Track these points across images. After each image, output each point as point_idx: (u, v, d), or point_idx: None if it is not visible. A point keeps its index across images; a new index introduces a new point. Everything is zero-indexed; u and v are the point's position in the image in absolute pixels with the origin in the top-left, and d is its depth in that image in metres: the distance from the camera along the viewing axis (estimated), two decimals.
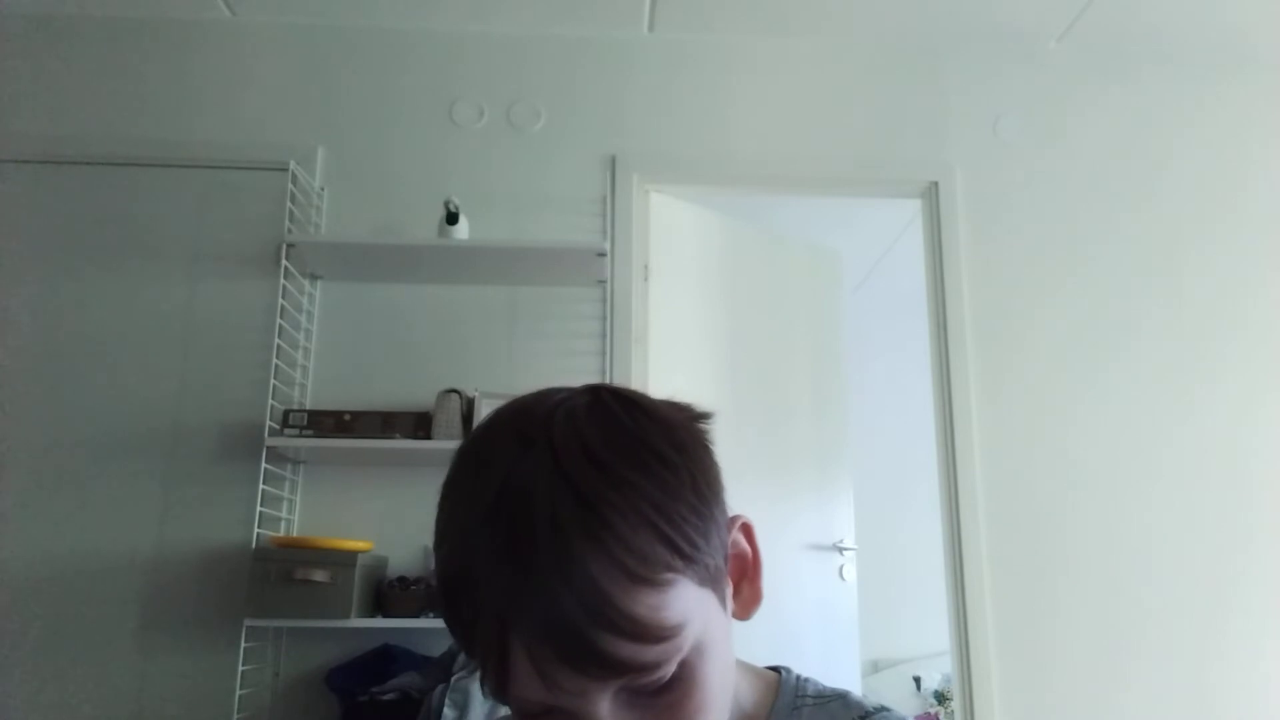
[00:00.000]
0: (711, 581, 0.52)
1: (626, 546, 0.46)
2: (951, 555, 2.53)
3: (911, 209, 3.22)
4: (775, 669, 0.66)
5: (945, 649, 2.57)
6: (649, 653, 0.47)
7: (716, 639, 0.51)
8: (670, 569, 0.48)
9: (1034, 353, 2.64)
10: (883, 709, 0.61)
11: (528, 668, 0.46)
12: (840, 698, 0.63)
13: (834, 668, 2.95)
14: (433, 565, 2.44)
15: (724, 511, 0.54)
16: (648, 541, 0.47)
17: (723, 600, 0.54)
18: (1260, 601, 2.50)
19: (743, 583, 0.58)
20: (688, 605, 0.49)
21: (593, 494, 0.47)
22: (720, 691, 0.52)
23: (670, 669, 0.48)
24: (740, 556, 0.58)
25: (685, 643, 0.48)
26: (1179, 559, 2.51)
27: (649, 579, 0.47)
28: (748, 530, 0.58)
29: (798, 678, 0.64)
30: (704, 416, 0.56)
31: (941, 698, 4.06)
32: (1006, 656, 2.44)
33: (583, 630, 0.45)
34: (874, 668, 4.27)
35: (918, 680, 4.21)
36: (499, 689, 0.48)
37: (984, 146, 2.79)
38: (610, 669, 0.46)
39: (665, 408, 0.54)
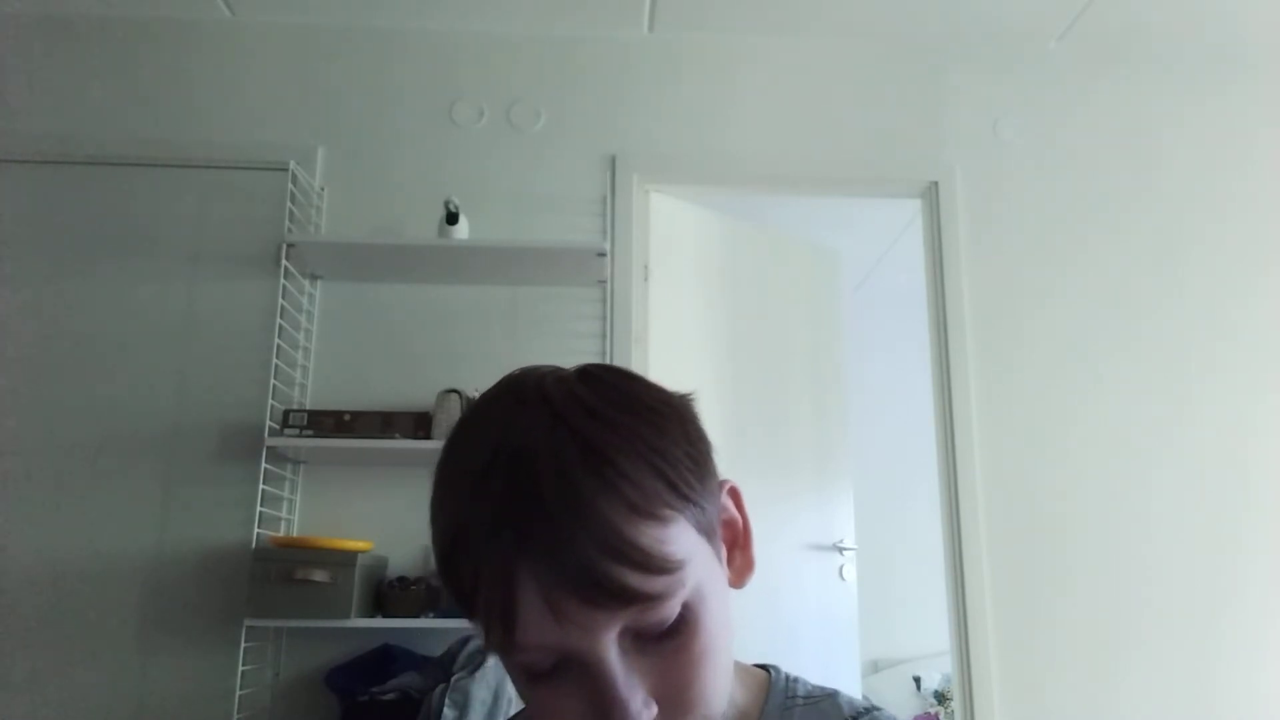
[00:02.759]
0: (708, 532, 0.53)
1: (630, 482, 0.49)
2: (951, 555, 2.53)
3: (911, 209, 3.22)
4: (763, 667, 0.66)
5: (945, 649, 2.57)
6: (654, 583, 0.48)
7: (716, 592, 0.53)
8: (670, 506, 0.50)
9: (1034, 352, 2.64)
10: (874, 709, 0.62)
11: (539, 607, 0.47)
12: (830, 697, 0.63)
13: (834, 668, 2.95)
14: (430, 565, 2.42)
15: (715, 468, 0.56)
16: (649, 479, 0.49)
17: (719, 558, 0.55)
18: (1261, 601, 2.50)
19: (734, 550, 0.59)
20: (688, 545, 0.51)
21: (593, 437, 0.49)
22: (724, 647, 0.53)
23: (674, 608, 0.50)
24: (731, 523, 0.59)
25: (687, 580, 0.50)
26: (1179, 558, 2.51)
27: (652, 513, 0.49)
28: (735, 495, 0.60)
29: (787, 677, 0.65)
30: (686, 394, 0.58)
31: (941, 698, 4.06)
32: (1006, 656, 2.44)
33: (593, 561, 0.47)
34: (874, 668, 4.27)
35: (918, 680, 4.21)
36: (505, 638, 0.49)
37: (984, 146, 2.79)
38: (618, 598, 0.47)
39: (649, 380, 0.58)
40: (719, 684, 0.53)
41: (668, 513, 0.50)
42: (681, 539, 0.50)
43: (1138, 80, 2.85)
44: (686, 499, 0.51)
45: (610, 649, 0.49)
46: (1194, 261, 2.72)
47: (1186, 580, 2.50)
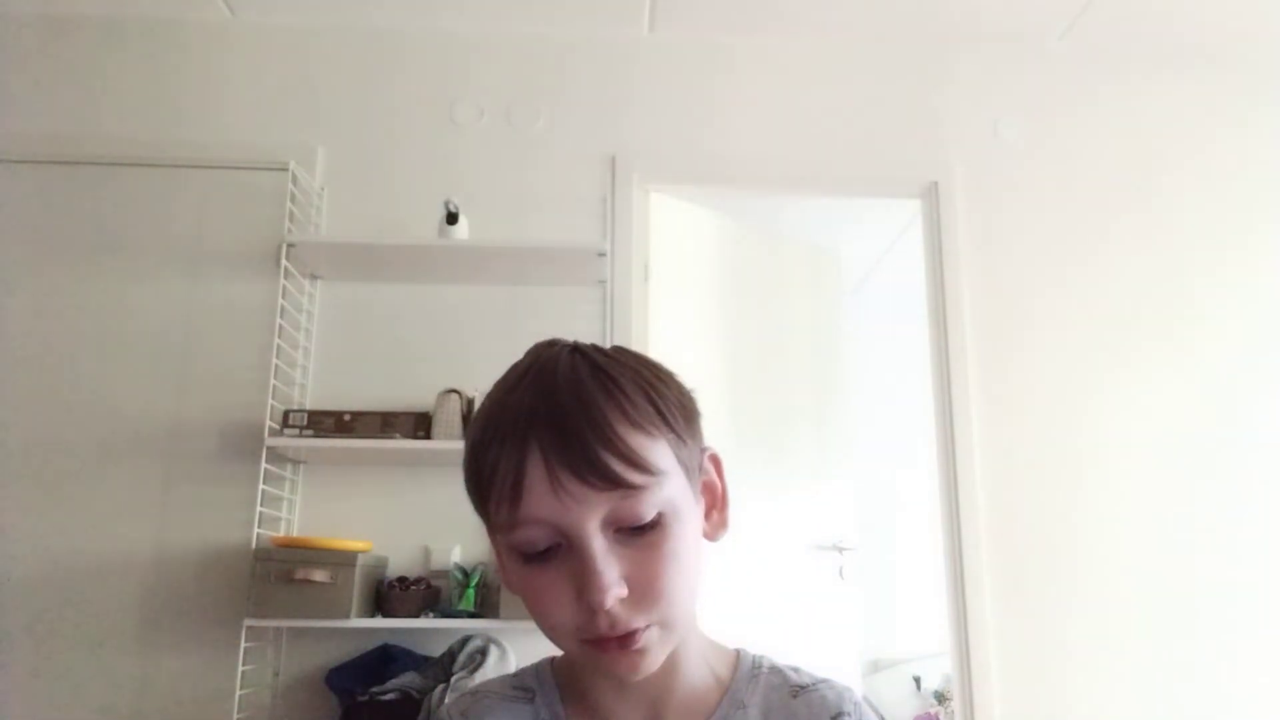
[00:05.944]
0: (687, 467, 0.64)
1: (628, 398, 0.61)
2: (951, 555, 2.53)
3: (911, 209, 3.21)
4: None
5: (945, 649, 2.57)
6: (635, 477, 0.59)
7: (688, 518, 0.63)
8: (656, 427, 0.61)
9: (1034, 352, 2.64)
10: (824, 680, 0.71)
11: (543, 482, 0.58)
12: (793, 669, 0.73)
13: (834, 668, 2.95)
14: (431, 565, 2.42)
15: (701, 430, 0.67)
16: (643, 402, 0.61)
17: (695, 496, 0.65)
18: (1263, 601, 2.50)
19: (713, 511, 0.69)
20: (667, 463, 0.61)
21: (604, 365, 0.63)
22: (690, 564, 0.62)
23: (650, 508, 0.60)
24: (710, 486, 0.69)
25: (663, 488, 0.60)
26: (1181, 559, 2.51)
27: (641, 426, 0.60)
28: (716, 462, 0.70)
29: (754, 654, 0.74)
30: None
31: (941, 698, 4.06)
32: (1006, 656, 2.44)
33: (590, 448, 0.58)
34: (874, 668, 4.27)
35: (918, 680, 4.21)
36: (512, 512, 0.59)
37: (984, 146, 2.79)
38: (606, 480, 0.58)
39: None
40: (682, 592, 0.62)
41: (654, 431, 0.61)
42: (662, 457, 0.61)
43: (1139, 79, 2.85)
44: (672, 429, 0.62)
45: (594, 531, 0.59)
46: (1195, 261, 2.72)
47: (1188, 579, 2.50)
